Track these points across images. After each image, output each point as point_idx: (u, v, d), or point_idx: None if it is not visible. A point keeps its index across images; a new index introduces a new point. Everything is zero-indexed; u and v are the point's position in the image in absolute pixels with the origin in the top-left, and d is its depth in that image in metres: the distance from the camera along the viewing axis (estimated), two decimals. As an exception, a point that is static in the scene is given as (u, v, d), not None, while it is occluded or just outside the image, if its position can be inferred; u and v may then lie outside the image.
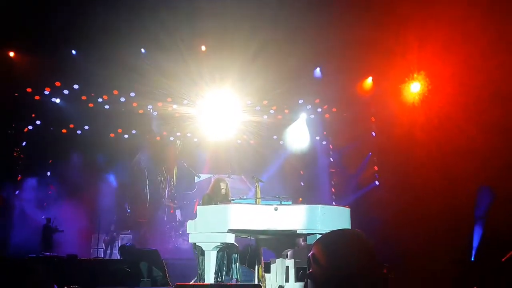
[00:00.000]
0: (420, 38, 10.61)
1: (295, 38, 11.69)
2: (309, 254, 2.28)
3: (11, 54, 11.85)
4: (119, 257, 11.17)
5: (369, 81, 12.91)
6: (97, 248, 13.21)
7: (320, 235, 2.42)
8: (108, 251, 13.63)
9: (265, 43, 11.57)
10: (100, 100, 13.18)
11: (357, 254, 2.16)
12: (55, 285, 7.65)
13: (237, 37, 11.45)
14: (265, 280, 7.68)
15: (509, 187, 8.96)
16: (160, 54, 11.90)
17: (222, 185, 8.01)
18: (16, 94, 12.57)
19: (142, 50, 12.15)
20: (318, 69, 13.06)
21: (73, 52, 12.10)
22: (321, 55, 12.30)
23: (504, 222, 8.63)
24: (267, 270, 7.90)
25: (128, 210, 14.68)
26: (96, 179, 15.65)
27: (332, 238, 2.28)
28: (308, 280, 2.26)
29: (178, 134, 14.79)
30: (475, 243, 9.67)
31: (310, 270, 2.23)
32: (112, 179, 15.73)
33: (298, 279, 7.93)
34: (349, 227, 6.74)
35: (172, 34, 11.36)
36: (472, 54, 9.63)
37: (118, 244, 13.41)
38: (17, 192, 13.18)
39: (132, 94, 13.07)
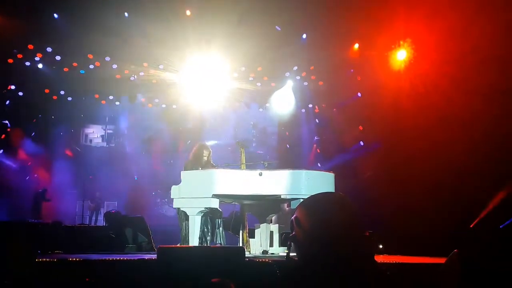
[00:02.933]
0: (406, 5, 10.51)
1: (282, 4, 11.53)
2: (292, 217, 2.27)
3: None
4: (104, 224, 11.20)
5: (355, 47, 12.81)
6: (82, 215, 13.20)
7: (304, 199, 2.40)
8: (93, 218, 13.63)
9: (251, 8, 11.39)
10: (87, 65, 12.95)
11: (339, 216, 2.15)
12: (38, 251, 7.66)
13: (223, 1, 11.25)
14: (249, 245, 7.76)
15: (494, 154, 9.02)
16: (144, 19, 11.66)
17: (205, 152, 7.95)
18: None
19: (126, 14, 11.88)
20: (304, 36, 12.91)
21: (55, 16, 11.81)
22: (307, 22, 12.15)
23: (482, 190, 8.72)
24: (252, 235, 7.97)
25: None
26: (81, 145, 15.60)
27: (314, 201, 2.27)
28: (292, 243, 2.25)
29: (161, 104, 14.67)
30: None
31: (293, 233, 2.23)
32: (98, 144, 15.71)
33: (282, 243, 8.01)
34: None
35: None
36: (457, 21, 9.57)
37: (103, 211, 13.44)
38: (1, 151, 13.09)
39: (107, 59, 12.82)
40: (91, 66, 12.97)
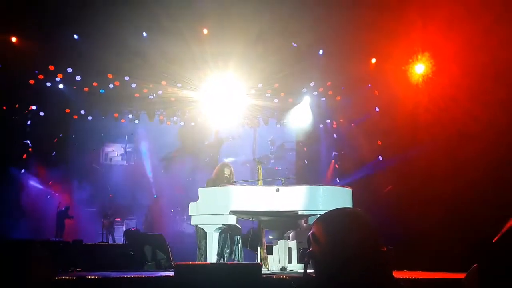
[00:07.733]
0: (423, 17, 10.45)
1: (298, 20, 11.55)
2: (309, 233, 2.25)
3: (13, 39, 11.74)
4: (124, 241, 11.26)
5: (373, 62, 12.75)
6: (101, 233, 13.27)
7: (321, 215, 2.38)
8: (110, 236, 13.63)
9: (268, 26, 11.44)
10: (107, 85, 13.11)
11: (357, 232, 2.12)
12: (59, 270, 7.72)
13: (240, 19, 11.31)
14: (267, 262, 7.71)
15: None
16: (163, 38, 11.78)
17: (226, 171, 8.01)
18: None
19: (144, 34, 12.03)
20: (321, 51, 12.90)
21: (75, 36, 12.01)
22: (323, 37, 12.15)
23: (505, 204, 8.54)
24: (270, 252, 7.92)
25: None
26: (101, 164, 15.74)
27: (331, 216, 2.24)
28: (309, 259, 2.23)
29: (179, 122, 14.75)
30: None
31: (310, 249, 2.20)
32: (118, 162, 15.83)
33: (300, 260, 7.95)
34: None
35: (174, 17, 11.24)
36: (475, 32, 9.47)
37: (118, 228, 13.52)
38: (23, 170, 13.26)
39: (127, 78, 12.96)
40: (111, 86, 13.12)
